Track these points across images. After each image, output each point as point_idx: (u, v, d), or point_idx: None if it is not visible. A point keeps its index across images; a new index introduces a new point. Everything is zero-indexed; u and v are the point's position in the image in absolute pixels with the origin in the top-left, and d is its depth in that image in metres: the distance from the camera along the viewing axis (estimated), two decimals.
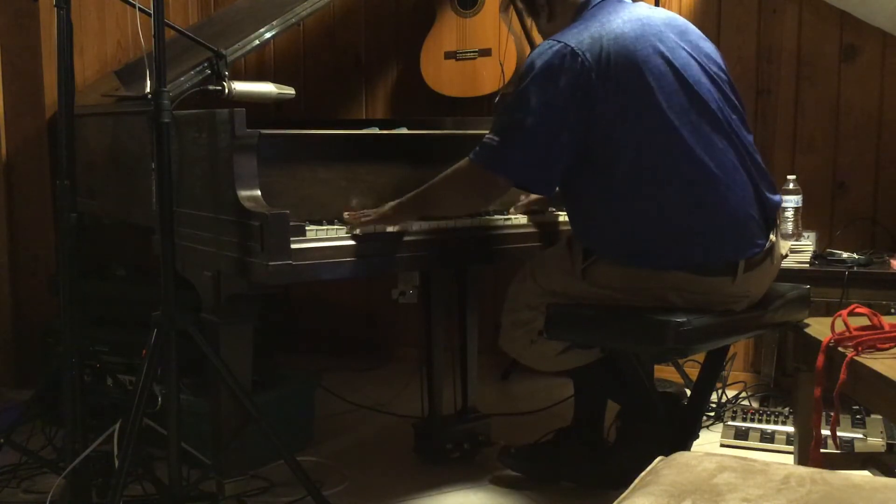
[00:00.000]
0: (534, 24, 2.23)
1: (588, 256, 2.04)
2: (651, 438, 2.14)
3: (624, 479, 1.36)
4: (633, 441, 2.25)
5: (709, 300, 1.96)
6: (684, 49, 1.99)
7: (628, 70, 1.92)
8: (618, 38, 1.94)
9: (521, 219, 2.31)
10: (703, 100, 1.95)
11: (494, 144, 1.95)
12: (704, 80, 1.98)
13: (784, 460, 2.41)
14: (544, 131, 1.91)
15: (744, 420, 2.71)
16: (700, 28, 2.13)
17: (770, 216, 2.05)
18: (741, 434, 2.66)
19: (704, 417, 2.82)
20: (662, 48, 1.96)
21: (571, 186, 2.02)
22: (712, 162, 1.93)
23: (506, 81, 3.32)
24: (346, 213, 2.07)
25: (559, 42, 1.94)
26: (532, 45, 3.18)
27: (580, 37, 1.95)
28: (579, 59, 1.90)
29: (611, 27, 1.96)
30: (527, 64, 1.98)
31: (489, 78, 3.35)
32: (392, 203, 2.07)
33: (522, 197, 2.35)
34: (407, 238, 2.06)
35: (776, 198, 2.07)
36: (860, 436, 2.53)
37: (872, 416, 2.63)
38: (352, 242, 1.97)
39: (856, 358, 1.84)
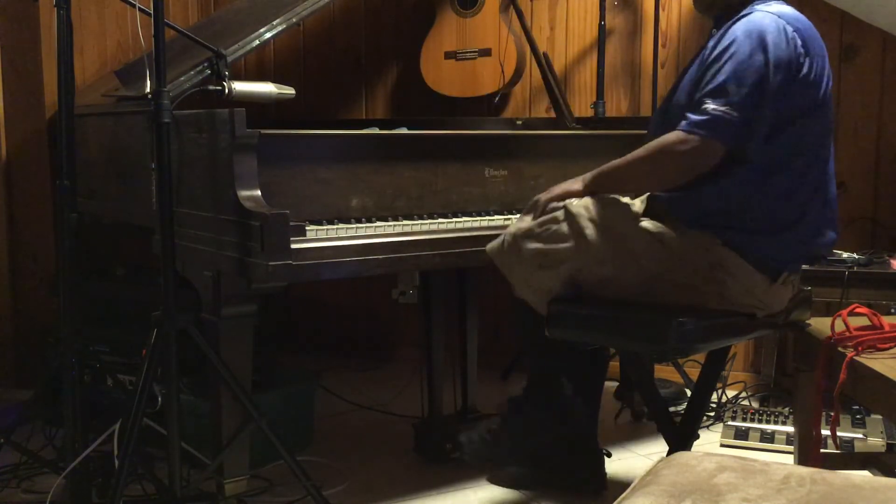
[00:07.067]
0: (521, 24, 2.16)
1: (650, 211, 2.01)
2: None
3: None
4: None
5: (740, 297, 1.94)
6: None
7: (816, 59, 1.95)
8: (807, 26, 1.96)
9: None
10: (831, 109, 2.00)
11: (719, 114, 1.90)
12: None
13: (784, 460, 2.40)
14: (758, 99, 1.90)
15: (744, 420, 2.71)
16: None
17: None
18: (741, 434, 2.66)
19: (704, 417, 2.82)
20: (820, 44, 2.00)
21: None
22: (830, 172, 2.00)
23: (506, 82, 3.32)
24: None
25: (773, 14, 1.95)
26: (532, 45, 3.04)
27: (782, 10, 1.96)
28: (791, 33, 1.92)
29: (797, 15, 1.98)
30: (744, 32, 1.94)
31: (489, 78, 3.35)
32: (585, 176, 2.04)
33: None
34: (407, 239, 2.07)
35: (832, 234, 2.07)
36: (860, 436, 2.53)
37: (872, 416, 2.63)
38: (352, 242, 1.98)
39: (856, 358, 1.83)
